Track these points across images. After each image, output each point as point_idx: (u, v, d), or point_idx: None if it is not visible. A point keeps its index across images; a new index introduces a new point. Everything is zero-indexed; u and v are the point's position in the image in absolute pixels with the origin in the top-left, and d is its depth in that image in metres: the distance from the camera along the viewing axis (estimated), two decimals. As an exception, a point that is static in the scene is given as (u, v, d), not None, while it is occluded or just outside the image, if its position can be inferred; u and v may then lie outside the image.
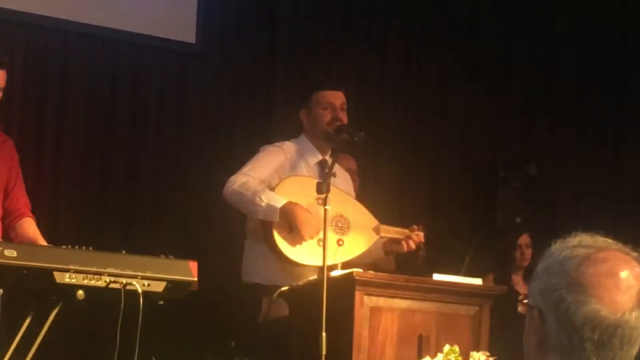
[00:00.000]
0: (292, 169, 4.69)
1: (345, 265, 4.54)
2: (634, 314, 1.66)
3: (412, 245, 4.66)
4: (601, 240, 1.75)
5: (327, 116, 4.71)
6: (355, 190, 5.10)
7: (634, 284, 1.68)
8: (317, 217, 4.39)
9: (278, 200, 4.44)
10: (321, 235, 4.26)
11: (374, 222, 4.71)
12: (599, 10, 7.63)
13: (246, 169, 4.59)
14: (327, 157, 4.78)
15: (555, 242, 1.76)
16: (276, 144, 4.77)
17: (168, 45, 6.24)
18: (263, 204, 4.43)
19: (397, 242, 4.70)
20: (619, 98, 7.72)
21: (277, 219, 4.44)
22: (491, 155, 7.30)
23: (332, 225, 4.55)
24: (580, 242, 1.74)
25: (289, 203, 4.43)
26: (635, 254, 1.72)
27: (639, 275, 1.69)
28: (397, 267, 5.42)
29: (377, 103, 6.99)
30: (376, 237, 4.70)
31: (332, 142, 4.72)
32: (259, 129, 6.30)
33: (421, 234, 4.70)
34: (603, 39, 7.62)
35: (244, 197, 4.48)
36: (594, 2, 7.61)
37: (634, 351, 1.69)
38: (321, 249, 4.21)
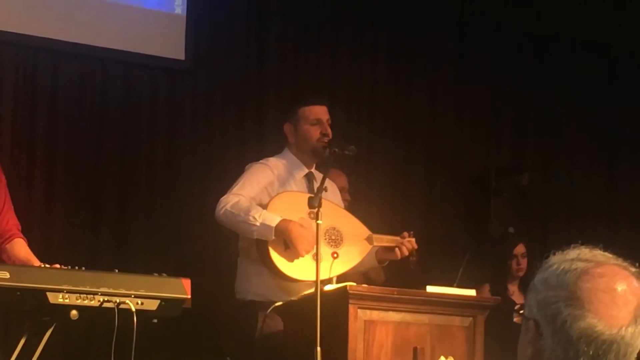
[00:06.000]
0: (282, 185, 4.68)
1: (340, 277, 4.54)
2: (629, 330, 1.66)
3: (406, 252, 4.65)
4: (600, 254, 1.74)
5: (317, 132, 4.70)
6: (344, 207, 5.07)
7: (631, 300, 1.67)
8: (311, 231, 4.38)
9: (272, 219, 4.43)
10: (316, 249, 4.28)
11: (367, 232, 4.71)
12: (593, 15, 7.64)
13: (235, 188, 4.58)
14: (313, 170, 4.79)
15: (554, 254, 1.75)
16: (261, 161, 4.76)
17: (157, 62, 6.23)
18: (257, 224, 4.42)
19: (390, 250, 4.69)
20: (612, 105, 7.73)
21: (273, 237, 4.43)
22: (483, 165, 7.30)
23: (325, 239, 4.55)
24: (579, 256, 1.73)
25: (283, 221, 4.43)
26: (633, 270, 1.71)
27: (636, 291, 1.68)
28: (389, 276, 5.41)
29: (368, 114, 6.98)
30: (369, 247, 4.69)
31: (321, 157, 4.72)
32: (251, 145, 6.29)
33: (413, 240, 4.69)
34: (597, 47, 7.63)
35: (237, 218, 4.47)
36: (587, 7, 7.62)
37: (629, 367, 1.68)
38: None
